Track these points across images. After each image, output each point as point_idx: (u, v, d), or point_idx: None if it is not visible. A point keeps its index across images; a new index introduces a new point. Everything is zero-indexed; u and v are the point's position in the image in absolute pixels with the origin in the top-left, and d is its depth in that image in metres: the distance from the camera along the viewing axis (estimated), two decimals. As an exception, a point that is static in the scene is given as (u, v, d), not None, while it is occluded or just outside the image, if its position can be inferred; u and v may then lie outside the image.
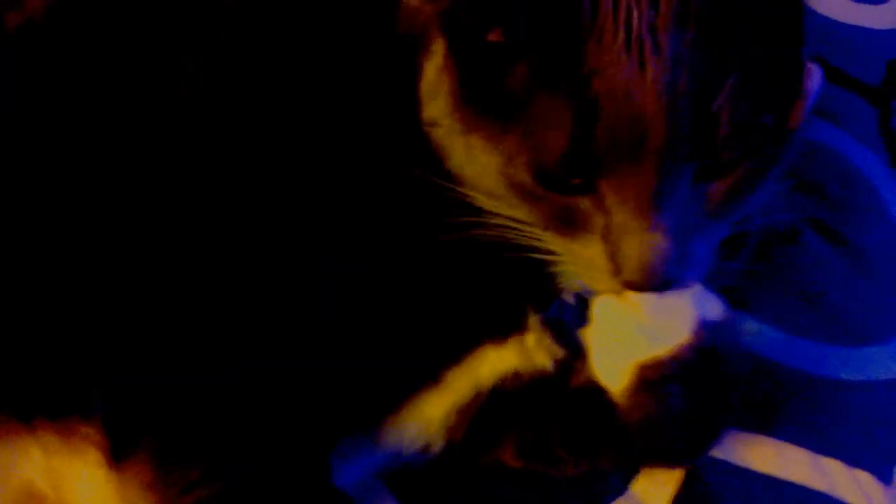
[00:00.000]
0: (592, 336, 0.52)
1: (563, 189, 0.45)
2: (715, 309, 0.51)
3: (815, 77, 0.51)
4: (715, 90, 0.43)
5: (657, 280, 0.45)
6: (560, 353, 0.52)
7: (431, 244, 0.48)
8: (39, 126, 0.50)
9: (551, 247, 0.48)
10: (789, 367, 0.60)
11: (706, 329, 0.50)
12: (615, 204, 0.45)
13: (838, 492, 0.56)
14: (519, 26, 0.44)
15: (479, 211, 0.48)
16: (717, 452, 0.56)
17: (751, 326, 0.59)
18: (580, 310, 0.52)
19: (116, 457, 0.46)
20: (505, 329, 0.51)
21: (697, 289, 0.50)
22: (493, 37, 0.45)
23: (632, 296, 0.49)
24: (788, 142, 0.48)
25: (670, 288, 0.46)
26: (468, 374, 0.51)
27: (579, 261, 0.47)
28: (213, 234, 0.47)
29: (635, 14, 0.43)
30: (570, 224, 0.46)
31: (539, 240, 0.48)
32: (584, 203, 0.45)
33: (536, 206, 0.47)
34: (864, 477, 0.58)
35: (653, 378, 0.50)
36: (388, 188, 0.48)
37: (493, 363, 0.51)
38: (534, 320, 0.51)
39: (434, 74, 0.49)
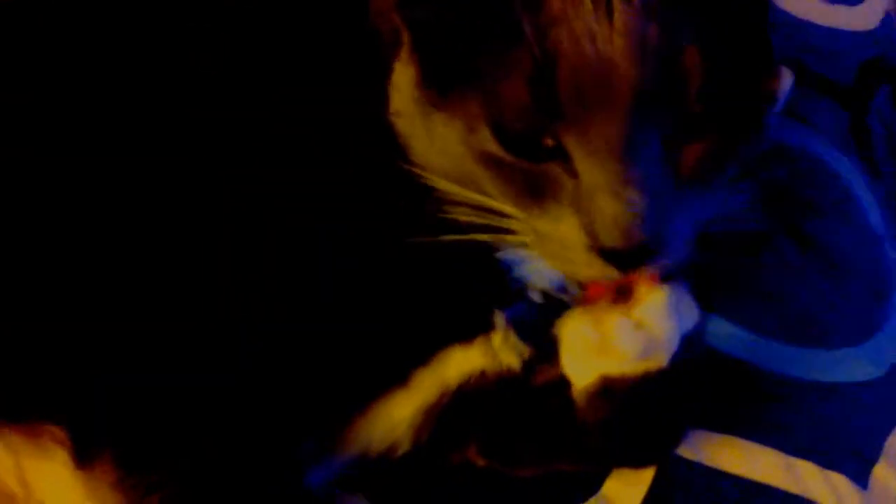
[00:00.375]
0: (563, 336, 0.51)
1: (529, 152, 0.44)
2: (692, 318, 0.50)
3: (785, 79, 0.51)
4: (685, 42, 0.43)
5: (635, 240, 0.43)
6: (526, 351, 0.52)
7: (399, 246, 0.48)
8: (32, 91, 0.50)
9: (522, 233, 0.47)
10: (760, 368, 0.59)
11: (682, 345, 0.49)
12: (584, 159, 0.43)
13: (811, 494, 0.56)
14: None
15: (447, 202, 0.47)
16: (688, 453, 0.56)
17: (721, 327, 0.59)
18: (547, 308, 0.51)
19: (82, 457, 0.46)
20: (471, 329, 0.51)
21: (683, 296, 0.50)
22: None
23: (615, 321, 0.48)
24: (761, 121, 0.48)
25: (651, 258, 0.44)
26: (435, 375, 0.51)
27: (552, 242, 0.46)
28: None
29: None
30: (539, 194, 0.45)
31: (508, 230, 0.47)
32: (553, 168, 0.44)
33: (503, 178, 0.46)
34: (838, 479, 0.57)
35: (617, 389, 0.49)
36: (357, 186, 0.48)
37: (459, 363, 0.51)
38: (500, 319, 0.51)
39: (400, 68, 0.49)
